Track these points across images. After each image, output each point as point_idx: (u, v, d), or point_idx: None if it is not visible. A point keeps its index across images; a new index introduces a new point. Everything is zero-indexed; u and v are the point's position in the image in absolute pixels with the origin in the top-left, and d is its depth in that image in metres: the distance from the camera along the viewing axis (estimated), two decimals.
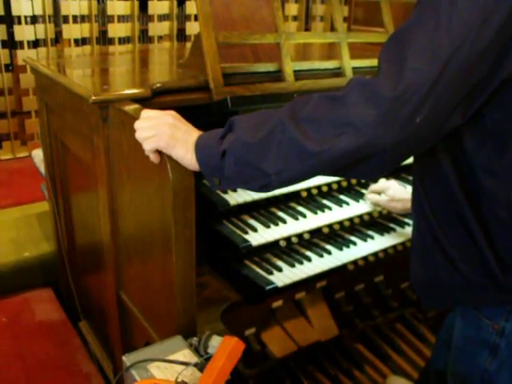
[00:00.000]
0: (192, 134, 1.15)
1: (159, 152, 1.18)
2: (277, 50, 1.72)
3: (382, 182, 1.82)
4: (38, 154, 2.54)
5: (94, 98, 1.43)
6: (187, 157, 1.14)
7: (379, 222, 1.90)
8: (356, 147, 0.93)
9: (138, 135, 1.18)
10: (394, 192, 1.77)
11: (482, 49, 0.87)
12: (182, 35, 4.16)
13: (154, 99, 1.51)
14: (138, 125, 1.19)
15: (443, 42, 0.87)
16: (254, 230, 1.61)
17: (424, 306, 1.28)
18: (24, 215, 2.77)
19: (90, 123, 1.54)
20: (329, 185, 1.82)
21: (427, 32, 0.89)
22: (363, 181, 1.91)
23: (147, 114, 1.20)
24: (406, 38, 0.91)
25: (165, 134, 1.14)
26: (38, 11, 3.54)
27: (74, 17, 3.69)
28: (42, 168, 2.39)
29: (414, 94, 0.87)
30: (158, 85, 1.54)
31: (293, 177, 1.03)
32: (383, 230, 1.86)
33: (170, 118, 1.17)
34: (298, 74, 1.75)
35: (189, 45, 1.84)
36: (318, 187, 1.79)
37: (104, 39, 3.85)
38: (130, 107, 1.37)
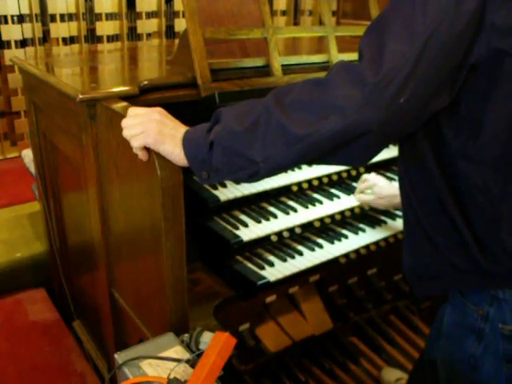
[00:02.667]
0: (179, 129, 1.15)
1: (147, 149, 1.17)
2: (264, 45, 1.72)
3: (368, 179, 1.82)
4: (27, 154, 2.53)
5: (81, 96, 1.42)
6: (175, 152, 1.13)
7: (370, 214, 1.91)
8: (342, 128, 0.94)
9: (126, 133, 1.18)
10: (380, 189, 1.77)
11: (457, 32, 0.91)
12: (170, 32, 4.14)
13: (142, 96, 1.51)
14: (125, 123, 1.18)
15: (420, 26, 0.90)
16: (245, 225, 1.61)
17: (415, 294, 1.31)
18: (15, 216, 2.75)
19: (79, 122, 1.53)
20: (319, 179, 1.82)
21: (404, 17, 0.92)
22: (353, 174, 1.92)
23: (134, 112, 1.20)
24: (384, 25, 0.94)
25: (152, 130, 1.13)
26: (25, 10, 3.50)
27: (62, 15, 3.65)
28: (32, 168, 2.38)
29: (395, 75, 0.90)
30: (146, 82, 1.54)
31: (280, 163, 1.03)
32: (374, 222, 1.86)
33: (156, 114, 1.16)
34: (286, 69, 1.75)
35: (178, 41, 1.83)
36: (309, 181, 1.79)
37: (92, 37, 3.82)
38: (118, 105, 1.36)
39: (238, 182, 1.61)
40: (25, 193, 2.80)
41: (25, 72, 1.98)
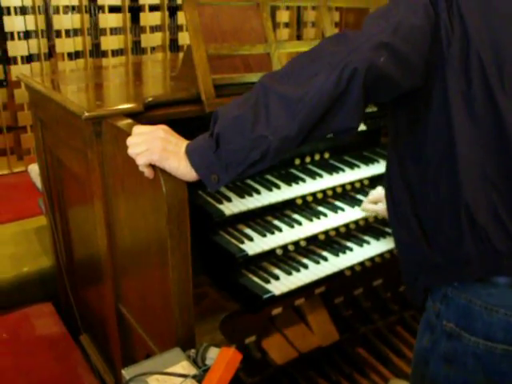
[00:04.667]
0: (183, 145, 1.17)
1: (153, 167, 1.19)
2: (267, 60, 1.74)
3: (379, 192, 1.83)
4: (34, 169, 2.55)
5: (86, 114, 1.44)
6: (181, 166, 1.15)
7: (374, 226, 1.91)
8: (334, 78, 1.01)
9: (131, 151, 1.19)
10: None
11: (418, 27, 1.05)
12: (174, 45, 4.18)
13: (147, 113, 1.52)
14: (129, 141, 1.20)
15: (394, 13, 1.07)
16: (250, 239, 1.62)
17: (412, 303, 1.38)
18: (22, 230, 2.77)
19: (84, 139, 1.54)
20: (323, 191, 1.83)
21: (382, 12, 1.10)
22: (357, 186, 1.92)
23: (139, 130, 1.22)
24: (367, 19, 1.12)
25: (156, 147, 1.15)
26: (31, 26, 3.55)
27: (67, 31, 3.69)
28: (38, 183, 2.40)
29: (374, 36, 1.03)
30: (150, 99, 1.55)
31: (288, 131, 1.05)
32: (379, 234, 1.87)
33: (161, 132, 1.18)
34: None
35: (182, 55, 1.85)
36: (313, 194, 1.80)
37: (97, 52, 3.86)
38: (123, 122, 1.38)
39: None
40: (31, 207, 2.82)
41: (31, 89, 2.01)
